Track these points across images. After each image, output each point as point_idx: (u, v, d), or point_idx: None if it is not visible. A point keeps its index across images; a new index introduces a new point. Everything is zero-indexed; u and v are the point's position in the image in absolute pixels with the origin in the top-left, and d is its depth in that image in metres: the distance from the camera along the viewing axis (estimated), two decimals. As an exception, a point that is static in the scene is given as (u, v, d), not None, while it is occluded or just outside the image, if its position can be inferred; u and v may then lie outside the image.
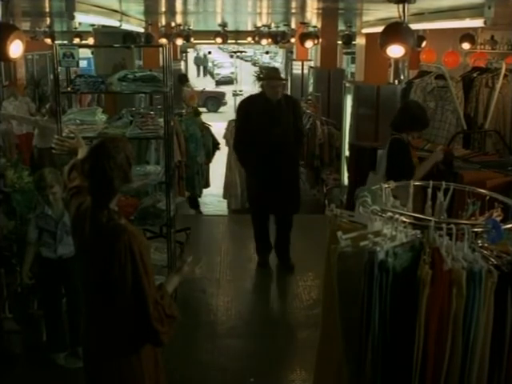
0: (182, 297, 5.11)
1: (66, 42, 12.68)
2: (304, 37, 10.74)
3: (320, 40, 11.21)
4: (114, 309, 2.64)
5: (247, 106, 6.31)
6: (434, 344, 2.41)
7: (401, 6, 4.23)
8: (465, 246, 2.45)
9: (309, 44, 10.77)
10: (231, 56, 35.86)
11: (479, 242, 2.56)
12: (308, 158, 8.85)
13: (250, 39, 17.49)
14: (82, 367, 2.93)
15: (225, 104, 24.29)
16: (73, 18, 5.08)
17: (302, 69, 13.39)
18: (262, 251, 6.49)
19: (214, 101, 24.19)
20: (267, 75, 6.26)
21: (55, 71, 5.14)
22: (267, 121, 5.99)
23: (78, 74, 5.38)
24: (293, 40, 15.23)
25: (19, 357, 4.78)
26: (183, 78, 12.76)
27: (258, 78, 6.64)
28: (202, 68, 40.69)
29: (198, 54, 39.27)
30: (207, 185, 8.15)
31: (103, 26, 9.03)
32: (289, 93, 12.39)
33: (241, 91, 23.44)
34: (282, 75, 7.30)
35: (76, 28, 12.01)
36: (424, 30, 9.32)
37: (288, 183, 6.17)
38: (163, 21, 12.21)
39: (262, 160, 6.05)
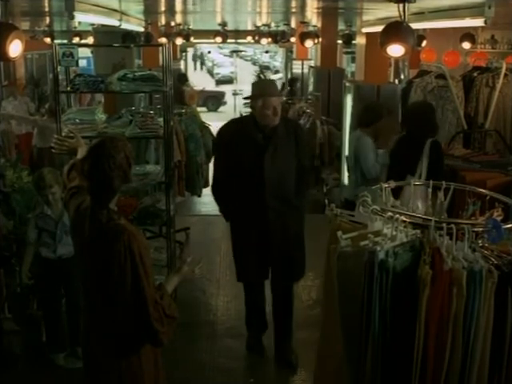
0: (181, 297, 5.09)
1: (65, 41, 12.67)
2: (304, 36, 10.73)
3: (320, 39, 11.21)
4: (114, 309, 2.63)
5: (229, 136, 4.41)
6: (434, 344, 2.40)
7: (401, 5, 4.22)
8: (465, 245, 2.44)
9: (309, 43, 10.76)
10: (221, 54, 35.96)
11: (479, 241, 2.56)
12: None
13: (249, 38, 17.48)
14: (82, 367, 2.93)
15: (225, 104, 24.29)
16: (72, 17, 5.06)
17: (302, 68, 13.39)
18: (252, 327, 4.81)
19: (214, 100, 24.18)
20: (258, 90, 4.30)
21: (55, 71, 5.14)
22: (256, 159, 4.21)
23: (77, 74, 5.38)
24: (293, 39, 15.22)
25: (19, 357, 4.78)
26: (182, 78, 12.76)
27: (247, 97, 4.54)
28: (198, 64, 41.20)
29: (195, 51, 39.44)
30: (207, 184, 8.13)
31: (103, 26, 9.00)
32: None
33: (241, 90, 23.47)
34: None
35: (75, 27, 12.00)
36: (424, 30, 9.31)
37: (287, 243, 4.41)
38: (163, 20, 12.20)
39: (249, 214, 4.36)
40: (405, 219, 2.58)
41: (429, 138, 4.68)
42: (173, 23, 13.10)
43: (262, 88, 4.31)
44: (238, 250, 4.57)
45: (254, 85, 4.44)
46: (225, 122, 4.62)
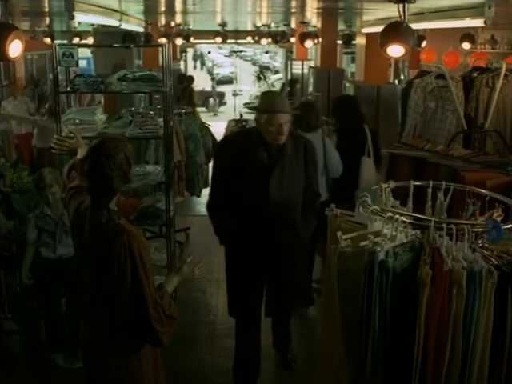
0: (181, 297, 5.10)
1: (65, 41, 12.67)
2: (304, 36, 10.73)
3: (320, 40, 11.21)
4: (114, 309, 2.63)
5: (232, 152, 3.87)
6: (434, 344, 2.40)
7: (401, 5, 4.22)
8: (465, 246, 2.44)
9: (309, 44, 10.76)
10: (221, 54, 35.90)
11: (479, 242, 2.57)
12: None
13: (249, 39, 17.50)
14: (82, 367, 2.93)
15: (224, 104, 24.29)
16: (72, 17, 5.08)
17: (302, 68, 13.39)
18: (242, 377, 4.22)
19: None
20: (264, 104, 3.81)
21: (54, 71, 5.14)
22: (260, 181, 3.74)
23: (77, 74, 5.38)
24: (293, 40, 15.23)
25: (19, 357, 4.78)
26: (189, 78, 12.79)
27: (252, 108, 4.18)
28: (198, 64, 41.35)
29: (195, 51, 39.53)
30: (206, 185, 8.13)
31: (103, 26, 9.03)
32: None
33: (240, 91, 23.47)
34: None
35: (75, 28, 11.99)
36: (424, 30, 9.32)
37: (289, 277, 4.01)
38: (163, 20, 12.21)
39: (248, 242, 3.86)
40: (405, 220, 2.58)
41: (364, 124, 5.51)
42: (173, 23, 13.10)
43: (269, 102, 3.76)
44: (231, 279, 4.12)
45: (261, 96, 3.98)
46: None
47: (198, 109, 12.43)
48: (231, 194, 3.83)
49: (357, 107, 5.68)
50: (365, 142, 5.35)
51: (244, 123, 8.79)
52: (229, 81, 29.97)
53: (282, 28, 14.56)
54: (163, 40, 11.98)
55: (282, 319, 4.43)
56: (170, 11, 9.88)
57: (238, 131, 4.83)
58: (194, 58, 40.91)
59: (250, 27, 15.84)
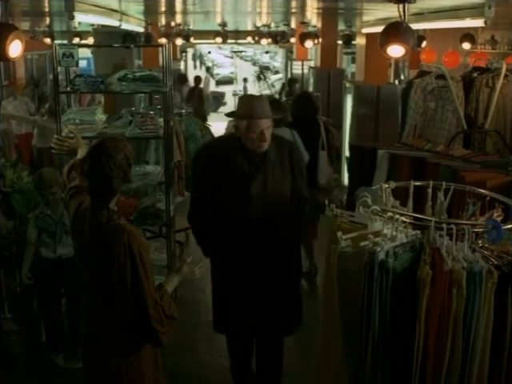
0: (181, 297, 5.09)
1: (65, 41, 12.67)
2: (304, 36, 10.73)
3: (320, 40, 11.21)
4: (114, 309, 2.63)
5: (210, 161, 3.67)
6: (434, 344, 2.40)
7: (401, 5, 4.22)
8: (465, 246, 2.44)
9: (309, 44, 10.76)
10: (221, 54, 35.85)
11: (479, 242, 2.57)
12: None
13: (249, 39, 17.51)
14: (82, 367, 2.93)
15: (224, 104, 24.32)
16: (72, 17, 5.08)
17: (302, 69, 13.40)
18: (240, 380, 4.18)
19: (214, 101, 24.19)
20: (243, 109, 3.56)
21: (55, 71, 5.15)
22: (242, 189, 3.55)
23: (77, 74, 5.38)
24: (293, 40, 15.24)
25: (19, 357, 4.77)
26: (197, 79, 12.80)
27: (229, 115, 3.79)
28: (198, 64, 41.45)
29: (195, 52, 39.61)
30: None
31: (103, 26, 9.04)
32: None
33: (240, 91, 23.49)
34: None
35: (75, 28, 12.00)
36: (424, 30, 9.32)
37: (279, 289, 3.73)
38: (163, 20, 12.22)
39: (233, 253, 3.66)
40: (405, 220, 2.58)
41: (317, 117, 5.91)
42: (173, 23, 13.10)
43: (247, 107, 3.51)
44: (217, 293, 3.86)
45: (239, 101, 3.71)
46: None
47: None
48: (212, 204, 3.63)
49: (307, 101, 5.99)
50: (319, 134, 5.65)
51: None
52: (229, 81, 29.99)
53: (282, 28, 14.57)
54: (163, 40, 11.98)
55: (274, 341, 3.98)
56: (170, 11, 9.88)
57: (216, 138, 4.69)
58: (194, 58, 40.97)
59: (250, 27, 15.85)
